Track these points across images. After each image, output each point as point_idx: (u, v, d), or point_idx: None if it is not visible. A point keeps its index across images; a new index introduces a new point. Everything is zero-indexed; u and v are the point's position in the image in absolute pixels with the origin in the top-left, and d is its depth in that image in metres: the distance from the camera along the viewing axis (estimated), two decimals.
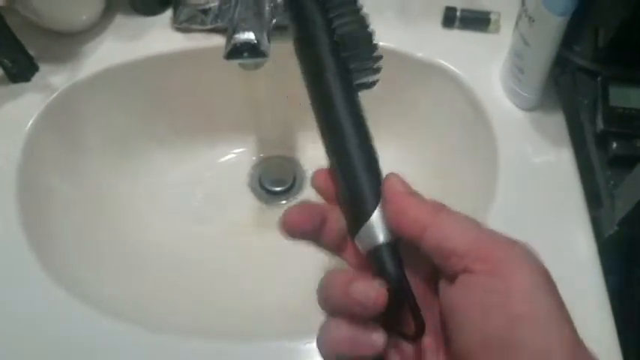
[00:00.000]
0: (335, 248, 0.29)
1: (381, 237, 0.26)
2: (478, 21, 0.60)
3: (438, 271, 0.26)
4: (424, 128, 0.63)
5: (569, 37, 0.50)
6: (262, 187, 0.67)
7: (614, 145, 0.49)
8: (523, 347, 0.22)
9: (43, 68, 0.59)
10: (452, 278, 0.25)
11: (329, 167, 0.29)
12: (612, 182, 0.48)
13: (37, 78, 0.58)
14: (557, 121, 0.55)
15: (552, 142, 0.53)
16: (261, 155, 0.70)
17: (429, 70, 0.59)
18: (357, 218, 0.27)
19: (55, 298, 0.46)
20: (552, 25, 0.47)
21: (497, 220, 0.48)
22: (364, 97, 0.29)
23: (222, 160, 0.69)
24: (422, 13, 0.62)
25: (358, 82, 0.28)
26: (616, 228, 0.46)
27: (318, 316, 0.27)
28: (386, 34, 0.55)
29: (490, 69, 0.57)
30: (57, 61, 0.59)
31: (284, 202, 0.67)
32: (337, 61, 0.28)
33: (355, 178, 0.27)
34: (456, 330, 0.25)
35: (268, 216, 0.66)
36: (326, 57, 0.28)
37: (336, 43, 0.28)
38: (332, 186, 0.29)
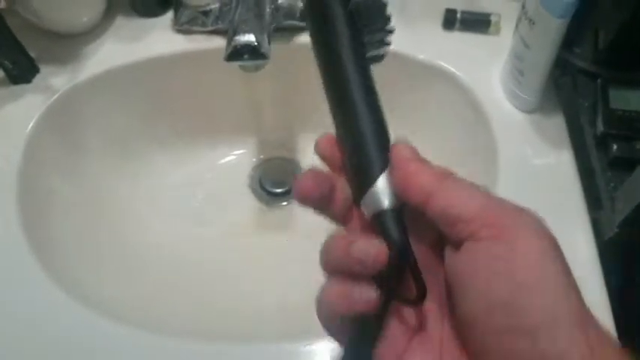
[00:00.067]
0: (340, 219, 0.28)
1: (386, 202, 0.26)
2: (478, 23, 0.60)
3: (444, 239, 0.25)
4: (424, 130, 0.63)
5: (569, 39, 0.50)
6: (263, 188, 0.67)
7: (614, 147, 0.49)
8: (529, 314, 0.22)
9: (44, 70, 0.59)
10: (457, 245, 0.24)
11: (334, 135, 0.28)
12: (612, 184, 0.48)
13: (37, 79, 0.58)
14: (557, 123, 0.55)
15: (552, 144, 0.53)
16: (262, 157, 0.70)
17: (429, 72, 0.59)
18: (364, 183, 0.27)
19: (55, 300, 0.46)
20: (552, 28, 0.47)
21: None
22: None
23: (223, 161, 0.69)
24: (422, 15, 0.62)
25: (370, 54, 0.28)
26: (616, 230, 0.46)
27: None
28: None
29: (490, 71, 0.57)
30: (58, 62, 0.59)
31: (284, 203, 0.67)
32: (351, 32, 0.28)
33: (363, 143, 0.27)
34: (460, 297, 0.24)
35: (269, 217, 0.66)
36: (340, 25, 0.28)
37: (350, 12, 0.28)
38: (337, 153, 0.28)
